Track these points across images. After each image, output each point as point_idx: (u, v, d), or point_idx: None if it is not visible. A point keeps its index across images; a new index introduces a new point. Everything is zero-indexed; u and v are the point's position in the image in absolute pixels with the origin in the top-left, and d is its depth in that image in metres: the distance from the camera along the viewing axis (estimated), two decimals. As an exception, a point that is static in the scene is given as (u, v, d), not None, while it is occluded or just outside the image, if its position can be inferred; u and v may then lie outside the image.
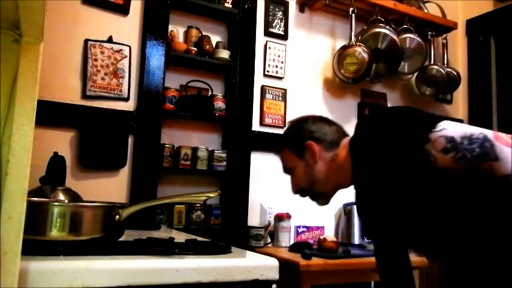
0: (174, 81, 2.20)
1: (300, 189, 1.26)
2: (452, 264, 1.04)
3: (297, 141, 1.23)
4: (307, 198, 1.28)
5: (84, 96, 1.97)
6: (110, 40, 2.05)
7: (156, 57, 2.10)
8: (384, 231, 1.17)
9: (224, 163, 2.18)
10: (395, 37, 2.56)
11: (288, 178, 1.31)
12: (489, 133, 0.88)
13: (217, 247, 1.04)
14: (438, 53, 2.89)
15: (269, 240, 2.25)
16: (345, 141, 1.19)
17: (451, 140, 0.89)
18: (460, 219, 0.94)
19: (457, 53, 3.14)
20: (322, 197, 1.24)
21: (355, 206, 1.32)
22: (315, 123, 1.24)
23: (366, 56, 2.46)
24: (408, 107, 1.20)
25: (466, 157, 0.87)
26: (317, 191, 1.22)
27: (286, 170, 1.29)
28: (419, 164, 0.92)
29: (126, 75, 2.07)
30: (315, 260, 1.79)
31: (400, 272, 1.22)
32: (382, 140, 0.99)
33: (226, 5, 2.31)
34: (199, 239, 1.22)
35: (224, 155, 2.19)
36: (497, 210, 0.90)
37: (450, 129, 0.91)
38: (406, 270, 1.22)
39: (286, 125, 1.32)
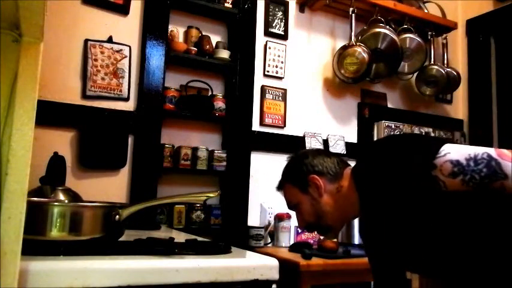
0: (174, 81, 2.20)
1: (307, 224, 1.24)
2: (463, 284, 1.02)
3: (299, 177, 1.21)
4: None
5: (84, 96, 1.97)
6: (110, 40, 2.05)
7: (156, 57, 2.10)
8: (391, 258, 1.15)
9: (224, 163, 2.18)
10: (395, 37, 2.56)
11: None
12: (492, 151, 0.88)
13: (217, 247, 1.04)
14: (438, 53, 2.89)
15: (269, 240, 2.25)
16: (347, 171, 1.18)
17: (456, 163, 0.89)
18: (477, 239, 0.93)
19: (457, 53, 3.14)
20: (330, 231, 1.23)
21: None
22: (316, 157, 1.22)
23: (366, 56, 2.46)
24: (408, 134, 1.20)
25: (475, 178, 0.87)
26: (324, 224, 1.20)
27: (291, 206, 1.26)
28: (429, 191, 0.92)
29: (126, 75, 2.07)
30: (315, 260, 1.79)
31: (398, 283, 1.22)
32: (389, 170, 0.98)
33: (226, 5, 2.31)
34: (199, 239, 1.22)
35: (224, 155, 2.19)
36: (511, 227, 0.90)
37: (454, 152, 0.91)
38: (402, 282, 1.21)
39: (286, 160, 1.31)
